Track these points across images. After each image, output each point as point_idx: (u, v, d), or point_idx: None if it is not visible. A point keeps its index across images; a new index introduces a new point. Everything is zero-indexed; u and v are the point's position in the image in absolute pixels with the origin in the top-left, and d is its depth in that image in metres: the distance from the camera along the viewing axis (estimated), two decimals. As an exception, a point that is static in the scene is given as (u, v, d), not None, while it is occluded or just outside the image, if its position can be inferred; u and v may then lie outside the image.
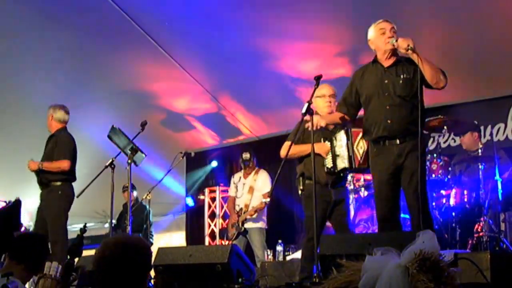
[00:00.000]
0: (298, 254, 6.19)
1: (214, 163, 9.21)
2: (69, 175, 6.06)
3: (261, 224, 7.00)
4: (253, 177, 7.18)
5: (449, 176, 6.10)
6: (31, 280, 3.73)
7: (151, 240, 7.90)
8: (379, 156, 4.30)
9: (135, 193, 8.07)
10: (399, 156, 4.18)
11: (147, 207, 7.84)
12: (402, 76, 4.23)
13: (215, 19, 6.80)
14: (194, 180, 9.49)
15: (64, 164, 5.95)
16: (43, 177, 6.05)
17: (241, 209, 7.03)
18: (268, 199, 6.22)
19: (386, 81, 4.27)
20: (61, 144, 6.07)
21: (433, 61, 4.21)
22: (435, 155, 6.07)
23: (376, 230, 6.24)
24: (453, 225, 5.94)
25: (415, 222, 4.11)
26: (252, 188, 7.08)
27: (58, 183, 6.01)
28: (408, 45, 4.06)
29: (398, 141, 4.20)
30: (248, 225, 6.87)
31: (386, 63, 4.32)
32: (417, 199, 4.04)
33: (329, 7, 6.39)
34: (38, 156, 6.24)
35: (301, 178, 4.99)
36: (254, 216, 6.91)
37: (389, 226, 4.21)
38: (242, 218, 6.90)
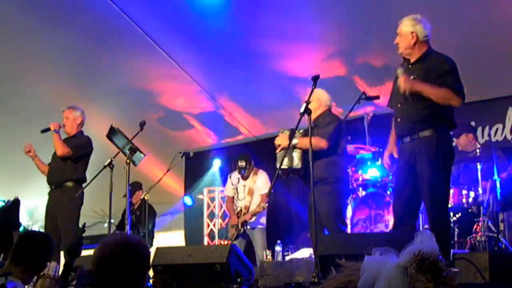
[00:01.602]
0: (297, 254, 6.19)
1: (218, 163, 9.05)
2: (82, 177, 6.10)
3: (260, 224, 7.00)
4: (252, 178, 7.11)
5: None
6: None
7: (151, 241, 7.81)
8: (399, 155, 4.32)
9: (141, 193, 7.98)
10: (410, 155, 4.18)
11: (153, 207, 7.80)
12: (412, 77, 4.17)
13: (213, 19, 6.81)
14: (198, 181, 9.44)
15: (67, 149, 6.00)
16: (58, 177, 6.07)
17: (240, 210, 7.00)
18: (266, 205, 6.21)
19: None
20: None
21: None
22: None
23: (375, 230, 6.27)
24: (451, 225, 5.95)
25: (430, 226, 4.14)
26: (252, 190, 7.00)
27: (70, 184, 6.03)
28: (405, 90, 4.05)
29: (407, 140, 4.21)
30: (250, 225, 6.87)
31: (412, 58, 4.27)
32: (431, 205, 4.03)
33: (325, 8, 6.40)
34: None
35: None
36: (253, 219, 6.89)
37: (402, 226, 4.20)
38: (242, 219, 6.88)
